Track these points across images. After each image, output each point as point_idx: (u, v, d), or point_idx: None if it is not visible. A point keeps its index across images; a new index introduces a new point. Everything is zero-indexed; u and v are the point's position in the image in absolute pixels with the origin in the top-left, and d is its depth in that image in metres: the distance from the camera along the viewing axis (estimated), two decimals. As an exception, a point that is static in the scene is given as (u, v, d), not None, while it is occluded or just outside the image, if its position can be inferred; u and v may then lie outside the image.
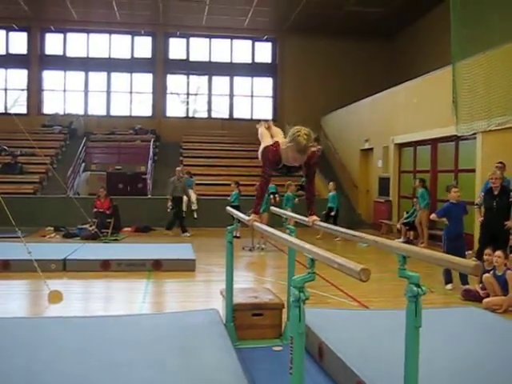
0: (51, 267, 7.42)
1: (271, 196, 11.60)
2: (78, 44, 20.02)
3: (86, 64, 19.93)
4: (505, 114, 8.18)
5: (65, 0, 17.00)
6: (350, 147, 16.90)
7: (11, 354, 3.61)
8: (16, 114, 14.42)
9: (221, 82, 20.77)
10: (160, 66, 20.19)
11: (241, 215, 4.29)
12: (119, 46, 20.20)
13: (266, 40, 20.68)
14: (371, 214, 15.20)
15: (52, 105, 20.10)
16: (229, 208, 4.91)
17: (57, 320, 4.79)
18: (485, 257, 6.33)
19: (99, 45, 20.08)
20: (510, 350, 3.97)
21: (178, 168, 13.68)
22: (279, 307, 4.61)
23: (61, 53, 19.95)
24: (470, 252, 8.49)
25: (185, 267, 7.93)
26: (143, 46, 20.33)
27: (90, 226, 11.60)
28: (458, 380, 3.31)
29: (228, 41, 20.56)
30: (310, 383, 3.47)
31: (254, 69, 20.69)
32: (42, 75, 19.98)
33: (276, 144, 3.61)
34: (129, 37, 20.17)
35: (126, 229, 12.99)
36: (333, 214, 12.37)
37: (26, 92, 19.92)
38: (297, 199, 11.61)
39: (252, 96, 20.89)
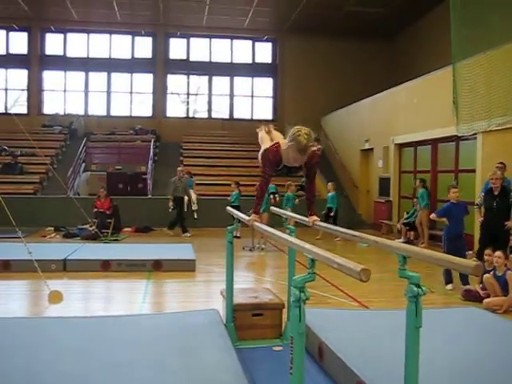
0: (51, 267, 7.42)
1: (271, 196, 11.61)
2: (78, 44, 20.02)
3: (87, 64, 19.93)
4: (505, 114, 8.18)
5: (65, 0, 17.00)
6: (350, 147, 16.90)
7: (12, 353, 3.61)
8: (16, 114, 14.42)
9: (221, 82, 20.77)
10: (160, 66, 20.20)
11: (241, 215, 4.29)
12: (119, 46, 20.20)
13: (267, 40, 20.68)
14: (371, 215, 15.20)
15: (52, 105, 20.10)
16: (229, 208, 4.91)
17: (57, 320, 4.79)
18: (485, 257, 6.33)
19: (99, 45, 20.07)
20: (510, 350, 3.97)
21: (179, 168, 13.69)
22: (279, 307, 4.61)
23: (61, 53, 19.95)
24: (471, 252, 8.49)
25: (185, 267, 7.93)
26: (143, 46, 20.33)
27: (91, 226, 11.60)
28: (458, 380, 3.32)
29: (228, 41, 20.56)
30: (310, 383, 3.47)
31: (254, 69, 20.69)
32: (43, 75, 19.98)
33: (277, 144, 3.61)
34: (129, 37, 20.17)
35: (126, 229, 12.99)
36: (332, 214, 12.36)
37: (26, 92, 19.92)
38: (297, 199, 11.61)
39: (252, 96, 20.89)
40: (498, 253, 6.04)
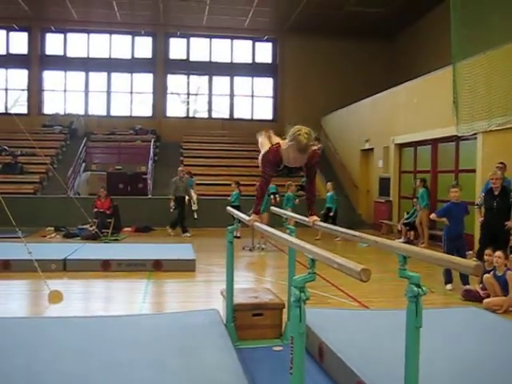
0: (51, 267, 7.42)
1: (271, 196, 11.60)
2: (78, 44, 20.02)
3: (87, 64, 19.93)
4: (505, 114, 8.18)
5: (65, 0, 17.01)
6: (350, 147, 16.90)
7: (11, 353, 3.61)
8: (16, 114, 14.41)
9: (221, 82, 20.77)
10: (160, 66, 20.20)
11: (241, 215, 4.29)
12: (119, 46, 20.20)
13: (267, 40, 20.68)
14: (371, 215, 15.20)
15: (52, 105, 20.11)
16: (229, 208, 4.91)
17: (57, 320, 4.79)
18: (485, 257, 6.33)
19: (99, 45, 20.08)
20: (510, 350, 3.97)
21: (180, 168, 13.70)
22: (279, 307, 4.61)
23: (61, 53, 19.96)
24: (471, 252, 8.49)
25: (185, 267, 7.93)
26: (143, 46, 20.33)
27: (91, 226, 11.60)
28: (459, 380, 3.31)
29: (228, 41, 20.56)
30: (311, 383, 3.47)
31: (254, 69, 20.69)
32: (43, 75, 19.98)
33: (277, 145, 3.61)
34: (129, 37, 20.18)
35: (126, 229, 13.00)
36: (331, 214, 12.34)
37: (26, 92, 19.93)
38: (297, 200, 11.60)
39: (252, 96, 20.90)
40: (498, 253, 6.04)
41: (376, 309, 5.77)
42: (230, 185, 12.56)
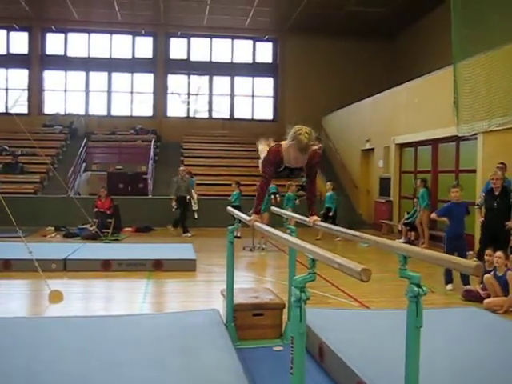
0: (52, 267, 7.42)
1: (272, 196, 11.60)
2: (78, 44, 20.03)
3: (87, 64, 19.94)
4: (506, 115, 8.18)
5: (66, 0, 17.01)
6: (350, 147, 16.90)
7: (12, 353, 3.61)
8: (17, 114, 14.40)
9: (222, 82, 20.77)
10: (161, 66, 20.20)
11: (241, 215, 4.29)
12: (120, 46, 20.21)
13: (267, 40, 20.68)
14: (372, 215, 15.19)
15: (53, 105, 20.11)
16: (229, 208, 4.91)
17: (57, 320, 4.79)
18: (485, 257, 6.33)
19: (100, 45, 20.09)
20: (511, 350, 3.97)
21: (181, 168, 13.71)
22: (280, 307, 4.61)
23: (62, 53, 19.96)
24: (471, 252, 8.49)
25: (185, 267, 7.93)
26: (144, 46, 20.34)
27: (91, 225, 11.60)
28: (459, 380, 3.31)
29: (229, 41, 20.56)
30: (311, 383, 3.47)
31: (254, 69, 20.69)
32: (43, 75, 19.98)
33: (278, 145, 3.62)
34: (130, 37, 20.18)
35: (126, 229, 12.99)
36: (331, 214, 12.33)
37: (26, 92, 19.93)
38: (298, 200, 11.60)
39: (253, 96, 20.89)
40: (499, 253, 6.03)
41: (376, 309, 5.77)
42: (230, 185, 12.56)
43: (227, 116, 20.80)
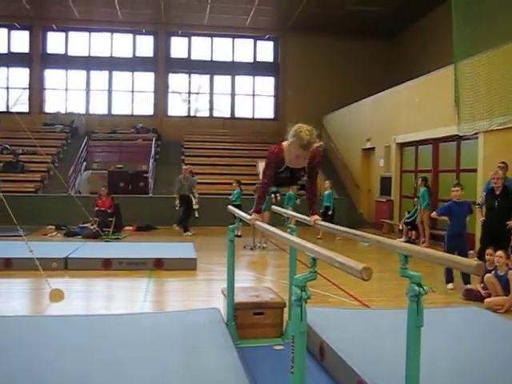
0: (53, 266, 7.43)
1: (273, 195, 11.60)
2: (79, 43, 20.01)
3: (88, 63, 19.93)
4: (507, 114, 8.18)
5: (67, -1, 17.02)
6: (351, 146, 16.89)
7: (12, 352, 3.61)
8: (18, 113, 14.41)
9: (222, 81, 20.75)
10: (162, 64, 20.19)
11: (242, 214, 4.29)
12: (121, 44, 20.19)
13: (268, 39, 20.66)
14: (373, 214, 15.19)
15: (54, 103, 20.10)
16: (230, 207, 4.91)
17: (58, 319, 4.80)
18: (486, 257, 6.33)
19: (101, 43, 20.08)
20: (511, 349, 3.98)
21: (184, 166, 13.76)
22: (280, 306, 4.61)
23: (63, 51, 19.96)
24: (472, 252, 8.48)
25: (186, 266, 7.93)
26: (145, 45, 20.33)
27: (92, 224, 11.61)
28: (459, 380, 3.31)
29: (230, 40, 20.54)
30: (311, 382, 3.46)
31: (255, 68, 20.67)
32: (44, 74, 19.98)
33: (279, 145, 3.63)
34: (130, 36, 20.18)
35: (127, 227, 13.00)
36: (330, 212, 12.31)
37: (27, 91, 19.92)
38: (298, 200, 11.60)
39: (254, 95, 20.87)
40: (500, 252, 6.04)
41: (377, 308, 5.77)
42: (231, 183, 12.57)
43: (228, 115, 20.79)
